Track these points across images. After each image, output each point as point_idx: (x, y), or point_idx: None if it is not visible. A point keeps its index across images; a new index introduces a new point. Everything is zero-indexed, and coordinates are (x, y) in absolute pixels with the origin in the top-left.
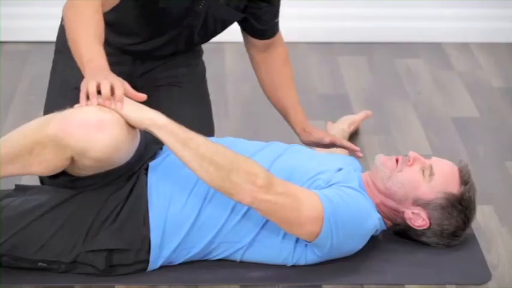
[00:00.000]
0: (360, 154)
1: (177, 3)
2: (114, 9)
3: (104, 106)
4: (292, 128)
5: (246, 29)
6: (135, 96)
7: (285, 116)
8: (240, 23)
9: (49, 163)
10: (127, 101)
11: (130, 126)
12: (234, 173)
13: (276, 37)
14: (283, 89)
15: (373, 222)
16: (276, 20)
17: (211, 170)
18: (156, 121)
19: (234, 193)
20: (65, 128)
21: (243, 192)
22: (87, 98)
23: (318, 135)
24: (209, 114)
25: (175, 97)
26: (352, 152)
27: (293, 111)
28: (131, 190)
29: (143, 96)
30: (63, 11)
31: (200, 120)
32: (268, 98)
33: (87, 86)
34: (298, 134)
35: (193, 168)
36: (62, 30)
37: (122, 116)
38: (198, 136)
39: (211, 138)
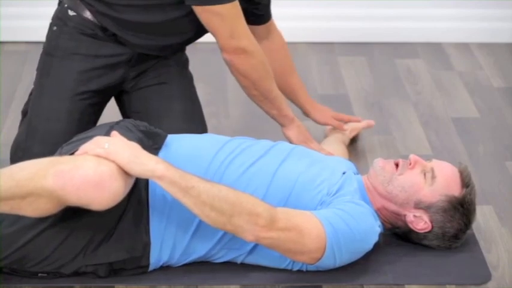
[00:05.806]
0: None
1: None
2: (157, 9)
3: (102, 156)
4: (302, 107)
5: (246, 17)
6: None
7: (294, 97)
8: None
9: (43, 210)
10: (125, 149)
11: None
12: (236, 216)
13: (271, 20)
14: (290, 71)
15: (375, 236)
16: (269, 3)
17: (213, 215)
18: (156, 173)
19: (237, 233)
20: (64, 187)
21: (245, 233)
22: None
23: (333, 122)
24: (200, 110)
25: (165, 94)
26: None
27: (302, 91)
28: (130, 196)
29: None
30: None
31: (191, 116)
32: (276, 83)
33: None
34: (307, 113)
35: (195, 213)
36: (53, 33)
37: (122, 168)
38: (199, 182)
39: (220, 136)
